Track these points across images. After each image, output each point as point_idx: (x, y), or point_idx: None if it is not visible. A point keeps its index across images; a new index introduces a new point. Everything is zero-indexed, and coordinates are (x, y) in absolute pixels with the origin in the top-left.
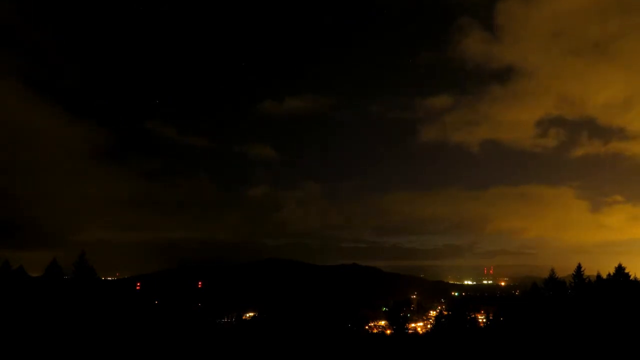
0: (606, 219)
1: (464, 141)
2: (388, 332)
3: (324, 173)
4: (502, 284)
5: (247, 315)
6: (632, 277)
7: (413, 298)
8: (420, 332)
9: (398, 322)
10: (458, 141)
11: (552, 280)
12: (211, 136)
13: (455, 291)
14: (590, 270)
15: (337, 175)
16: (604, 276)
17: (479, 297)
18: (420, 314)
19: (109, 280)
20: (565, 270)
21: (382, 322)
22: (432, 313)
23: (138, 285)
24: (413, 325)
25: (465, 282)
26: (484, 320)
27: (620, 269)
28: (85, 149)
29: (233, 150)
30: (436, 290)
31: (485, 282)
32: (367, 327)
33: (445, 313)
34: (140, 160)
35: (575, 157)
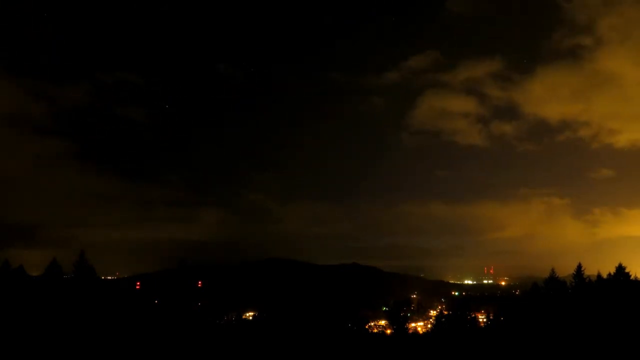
0: (600, 218)
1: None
2: (388, 331)
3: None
4: (503, 283)
5: (247, 315)
6: (632, 277)
7: (413, 298)
8: (421, 331)
9: (398, 321)
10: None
11: (553, 280)
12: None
13: (455, 291)
14: (590, 270)
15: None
16: (604, 276)
17: (479, 296)
18: (421, 314)
19: (109, 279)
20: (565, 270)
21: (383, 322)
22: (433, 313)
23: (138, 285)
24: (413, 325)
25: (466, 282)
26: (485, 320)
27: (620, 268)
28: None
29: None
30: (436, 290)
31: (485, 281)
32: (367, 327)
33: (446, 313)
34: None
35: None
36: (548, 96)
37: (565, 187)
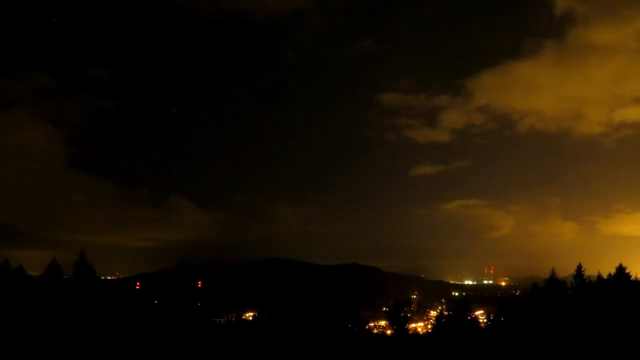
0: (597, 218)
1: None
2: (388, 332)
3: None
4: (503, 284)
5: (247, 315)
6: (632, 278)
7: (413, 298)
8: (421, 332)
9: (398, 322)
10: None
11: (553, 281)
12: None
13: (455, 291)
14: (590, 270)
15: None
16: (605, 276)
17: (480, 297)
18: (421, 314)
19: (109, 279)
20: (565, 270)
21: (383, 322)
22: (433, 313)
23: (138, 285)
24: (414, 325)
25: (466, 282)
26: (485, 320)
27: (620, 269)
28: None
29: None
30: (436, 290)
31: (485, 282)
32: (367, 327)
33: (446, 313)
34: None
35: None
36: (515, 91)
37: (557, 185)
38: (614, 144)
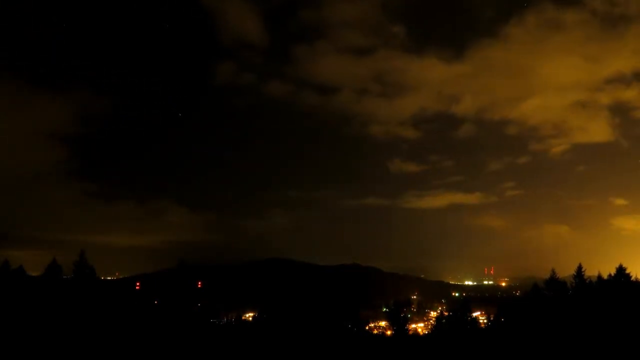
0: (597, 219)
1: None
2: (388, 332)
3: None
4: (503, 284)
5: (247, 315)
6: (632, 278)
7: (413, 298)
8: (421, 332)
9: (398, 322)
10: None
11: (553, 281)
12: None
13: (455, 291)
14: (591, 270)
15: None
16: (605, 276)
17: (480, 297)
18: (421, 315)
19: (109, 280)
20: (565, 270)
21: (383, 323)
22: (433, 314)
23: (138, 285)
24: (414, 325)
25: (466, 282)
26: (485, 320)
27: (621, 269)
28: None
29: None
30: (436, 290)
31: (485, 282)
32: (367, 328)
33: (446, 314)
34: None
35: None
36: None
37: (557, 184)
38: (610, 136)
